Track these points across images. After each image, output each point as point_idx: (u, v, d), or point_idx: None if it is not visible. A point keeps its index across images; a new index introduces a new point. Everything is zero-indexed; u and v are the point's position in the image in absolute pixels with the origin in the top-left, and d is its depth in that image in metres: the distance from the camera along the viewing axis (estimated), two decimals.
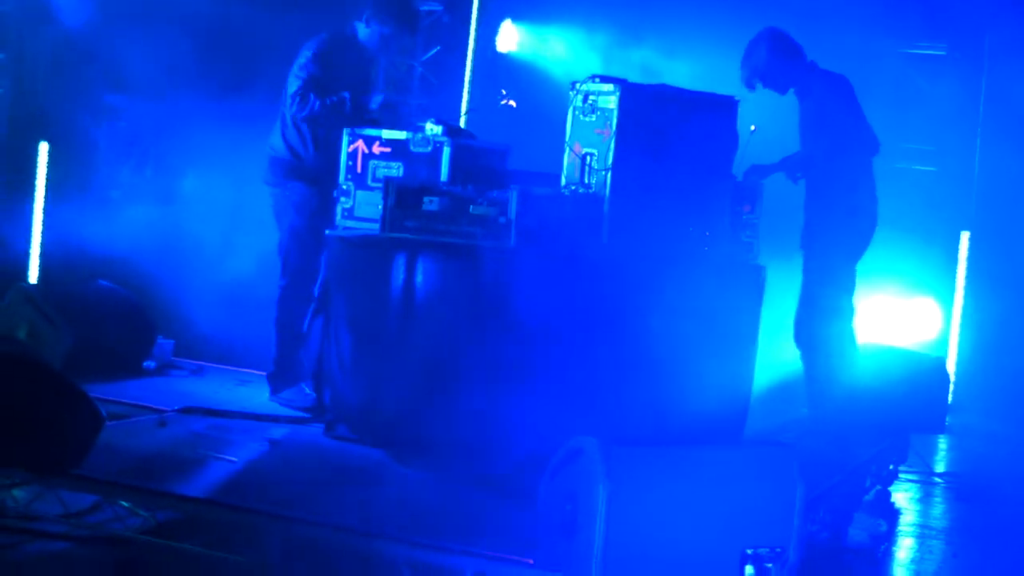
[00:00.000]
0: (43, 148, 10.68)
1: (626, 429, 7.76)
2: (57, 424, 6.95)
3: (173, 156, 11.32)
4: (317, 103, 8.89)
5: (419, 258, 7.90)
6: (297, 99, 8.92)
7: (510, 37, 12.21)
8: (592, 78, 8.07)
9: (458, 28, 12.03)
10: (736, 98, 8.41)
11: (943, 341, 11.18)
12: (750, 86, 9.12)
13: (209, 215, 10.86)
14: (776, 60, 9.07)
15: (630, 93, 7.93)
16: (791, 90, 9.19)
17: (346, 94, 8.86)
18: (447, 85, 12.04)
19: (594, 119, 7.99)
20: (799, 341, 9.21)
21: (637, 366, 7.89)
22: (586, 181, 7.98)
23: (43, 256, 10.68)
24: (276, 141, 9.21)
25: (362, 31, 9.20)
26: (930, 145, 11.49)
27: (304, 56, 9.05)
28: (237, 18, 11.77)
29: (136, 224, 10.72)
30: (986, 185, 11.36)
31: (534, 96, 11.71)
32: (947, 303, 11.22)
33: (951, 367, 11.01)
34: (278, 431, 8.39)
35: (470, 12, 11.95)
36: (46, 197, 10.69)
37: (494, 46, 12.11)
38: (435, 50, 12.09)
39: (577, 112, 8.05)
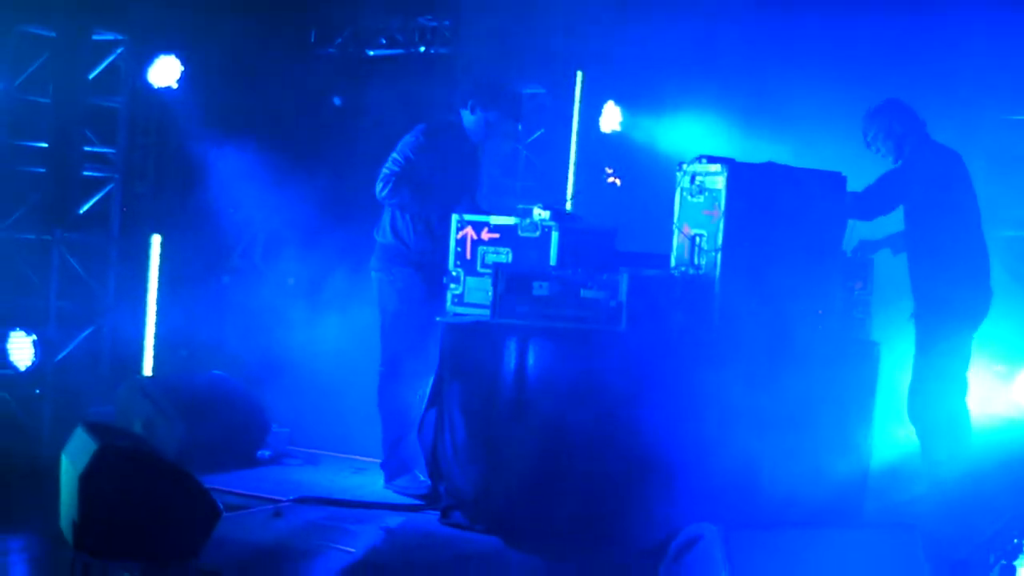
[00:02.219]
0: (155, 240, 10.81)
1: (745, 513, 7.70)
2: (174, 516, 6.97)
3: (284, 243, 11.43)
4: (407, 194, 8.97)
5: (530, 343, 7.92)
6: (386, 182, 8.99)
7: (613, 117, 12.24)
8: (699, 159, 8.06)
9: (561, 110, 12.08)
10: (844, 174, 8.38)
11: None
12: (868, 145, 9.09)
13: (322, 301, 10.94)
14: (899, 126, 9.03)
15: (738, 173, 7.92)
16: (900, 161, 9.14)
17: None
18: (552, 167, 12.08)
19: (702, 200, 7.98)
20: (912, 416, 9.10)
21: (753, 449, 7.83)
22: (696, 262, 7.97)
23: (157, 348, 10.77)
24: (383, 226, 9.27)
25: (467, 118, 9.25)
26: None
27: (405, 141, 9.13)
28: (348, 114, 11.97)
29: (249, 313, 10.82)
30: None
31: (639, 176, 11.77)
32: None
33: None
34: (394, 520, 8.41)
35: (573, 94, 11.99)
36: (159, 289, 10.81)
37: (598, 127, 12.13)
38: (539, 132, 12.15)
39: (685, 193, 8.05)
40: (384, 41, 12.37)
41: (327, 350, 10.80)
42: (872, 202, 8.97)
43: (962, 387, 9.02)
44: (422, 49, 12.21)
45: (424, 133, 9.13)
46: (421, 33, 12.21)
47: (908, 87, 10.14)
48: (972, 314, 9.00)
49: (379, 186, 9.02)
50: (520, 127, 11.39)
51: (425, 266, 9.08)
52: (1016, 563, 9.25)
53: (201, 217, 11.44)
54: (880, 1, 10.80)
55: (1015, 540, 9.29)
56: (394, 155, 9.08)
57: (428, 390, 8.61)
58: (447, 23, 12.10)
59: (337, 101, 12.28)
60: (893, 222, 9.12)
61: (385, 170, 9.04)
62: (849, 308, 8.55)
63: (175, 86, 10.78)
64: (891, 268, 9.13)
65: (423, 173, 9.04)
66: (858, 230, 8.88)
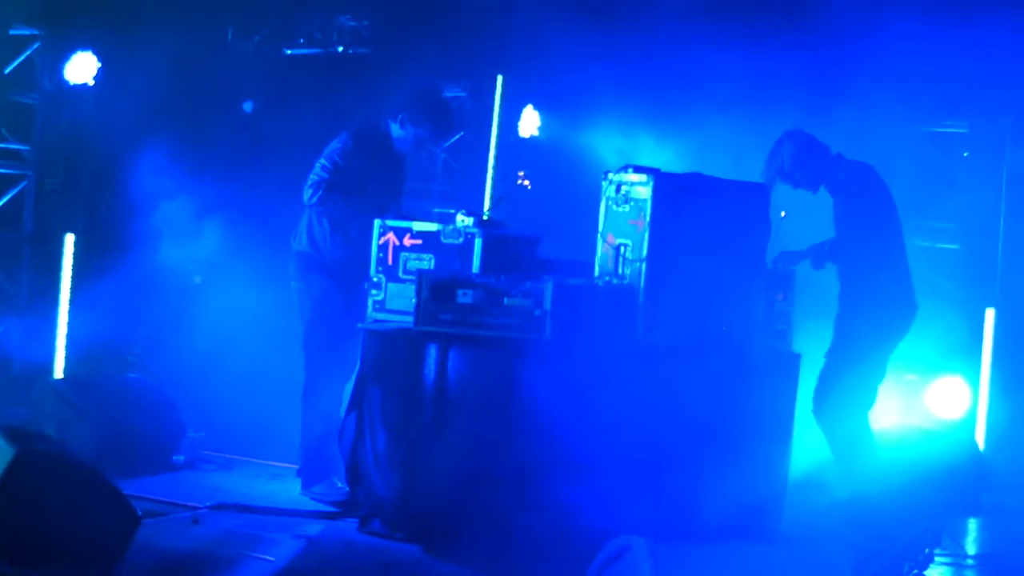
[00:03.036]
0: (69, 239, 10.66)
1: (664, 523, 7.72)
2: (94, 523, 6.91)
3: (199, 246, 11.31)
4: (337, 200, 8.92)
5: (453, 351, 7.91)
6: (315, 188, 8.91)
7: (531, 122, 12.22)
8: (625, 168, 8.07)
9: (481, 114, 12.04)
10: (767, 185, 8.41)
11: (971, 419, 11.10)
12: (784, 181, 9.06)
13: (240, 306, 10.85)
14: (800, 161, 8.95)
15: (664, 183, 7.94)
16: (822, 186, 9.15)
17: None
18: (470, 171, 12.05)
19: (627, 209, 8.00)
20: (819, 417, 9.12)
21: (674, 458, 7.87)
22: (620, 272, 7.97)
23: (69, 349, 10.63)
24: (300, 233, 9.20)
25: (395, 131, 9.16)
26: (953, 223, 11.45)
27: (333, 147, 9.05)
28: (263, 114, 11.88)
29: (164, 316, 10.72)
30: (1010, 261, 11.32)
31: (558, 182, 11.75)
32: (974, 381, 11.15)
33: (980, 445, 10.94)
34: (312, 527, 8.35)
35: (493, 98, 11.95)
36: (72, 289, 10.66)
37: (516, 131, 12.11)
38: (458, 135, 12.11)
39: (610, 202, 8.06)
40: (303, 40, 12.28)
41: (243, 354, 10.73)
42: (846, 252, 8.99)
43: (871, 400, 9.07)
44: (341, 49, 12.14)
45: (352, 138, 9.07)
46: (340, 33, 12.13)
47: (827, 101, 10.24)
48: (896, 330, 9.05)
49: (308, 192, 8.93)
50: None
51: (341, 273, 9.02)
52: (927, 573, 9.36)
53: (116, 216, 11.30)
54: (801, 33, 10.83)
55: (927, 550, 9.38)
56: (322, 161, 9.00)
57: (348, 396, 8.57)
58: (366, 23, 12.03)
59: (247, 108, 12.16)
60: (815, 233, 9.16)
61: (314, 176, 8.96)
62: (771, 320, 8.59)
63: (92, 83, 10.66)
64: (814, 280, 9.17)
65: (352, 179, 8.97)
66: (779, 241, 8.91)
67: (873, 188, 9.05)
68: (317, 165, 9.00)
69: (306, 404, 9.15)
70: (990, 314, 11.21)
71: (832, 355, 9.05)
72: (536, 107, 12.19)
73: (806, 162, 8.97)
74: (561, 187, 11.56)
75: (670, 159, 9.18)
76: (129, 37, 10.82)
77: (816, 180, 9.03)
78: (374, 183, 9.06)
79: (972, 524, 10.26)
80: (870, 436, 9.04)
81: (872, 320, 8.87)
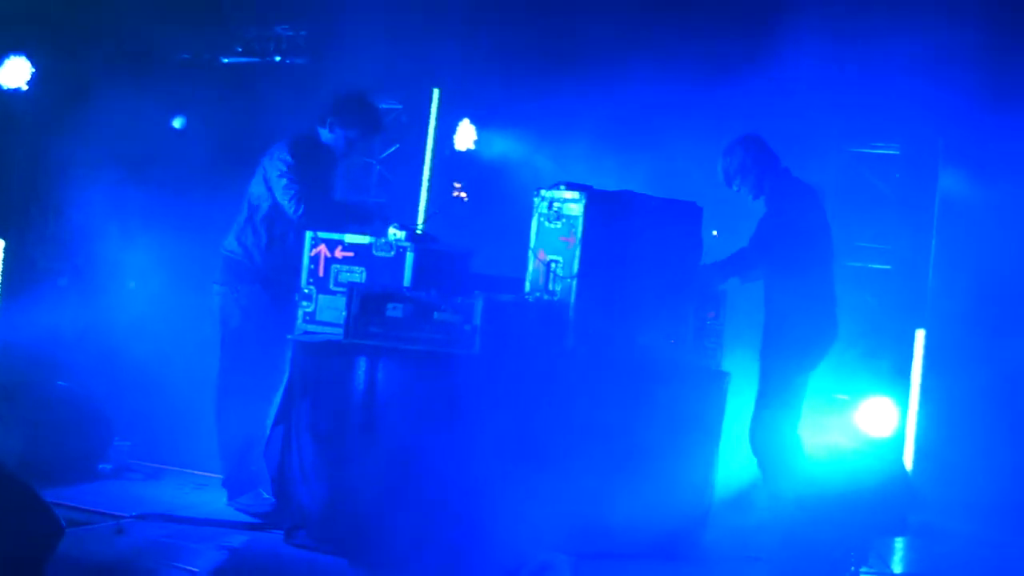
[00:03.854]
0: None
1: (588, 540, 7.75)
2: (15, 532, 6.82)
3: (131, 252, 11.25)
4: (326, 212, 8.90)
5: (382, 365, 7.89)
6: (300, 202, 8.86)
7: (467, 136, 12.21)
8: (557, 185, 8.07)
9: (417, 127, 12.03)
10: (699, 204, 8.44)
11: (899, 440, 11.17)
12: (728, 183, 9.13)
13: (167, 314, 10.79)
14: (745, 167, 9.05)
15: (596, 200, 7.95)
16: (760, 196, 9.21)
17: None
18: (405, 183, 12.02)
19: (559, 226, 8.00)
20: (753, 446, 9.18)
21: (599, 475, 7.88)
22: (551, 288, 7.98)
23: None
24: (229, 242, 9.15)
25: (325, 135, 9.16)
26: (885, 244, 11.53)
27: (283, 160, 8.96)
28: (196, 119, 11.82)
29: (91, 323, 10.64)
30: (941, 282, 11.40)
31: (492, 196, 11.75)
32: (903, 401, 11.22)
33: (908, 466, 11.01)
34: (237, 539, 8.29)
35: (429, 111, 11.94)
36: (1, 295, 10.59)
37: (452, 145, 12.10)
38: (394, 148, 12.09)
39: (542, 218, 8.06)
40: (240, 49, 12.22)
41: (171, 362, 10.66)
42: (758, 257, 9.02)
43: (796, 418, 9.11)
44: (278, 59, 12.09)
45: (290, 148, 9.02)
46: (277, 43, 12.08)
47: (760, 119, 10.28)
48: (815, 352, 9.09)
49: (292, 207, 8.87)
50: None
51: (273, 282, 8.98)
52: None
53: (46, 221, 11.22)
54: (735, 57, 10.89)
55: (852, 568, 9.44)
56: (281, 170, 8.93)
57: (276, 408, 8.53)
58: (303, 34, 12.00)
59: (179, 124, 12.10)
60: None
61: (290, 191, 8.89)
62: (701, 337, 8.62)
63: (25, 87, 10.58)
64: (745, 298, 9.21)
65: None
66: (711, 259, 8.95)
67: (811, 209, 9.11)
68: (281, 179, 8.93)
69: (221, 413, 9.10)
70: (920, 335, 11.29)
71: (761, 380, 9.10)
72: (472, 121, 12.18)
73: (750, 169, 9.04)
74: (496, 202, 11.56)
75: (605, 177, 9.17)
76: (64, 42, 10.75)
77: (758, 189, 9.08)
78: (316, 191, 9.03)
79: (899, 544, 10.32)
80: (796, 456, 9.07)
81: (791, 342, 8.90)
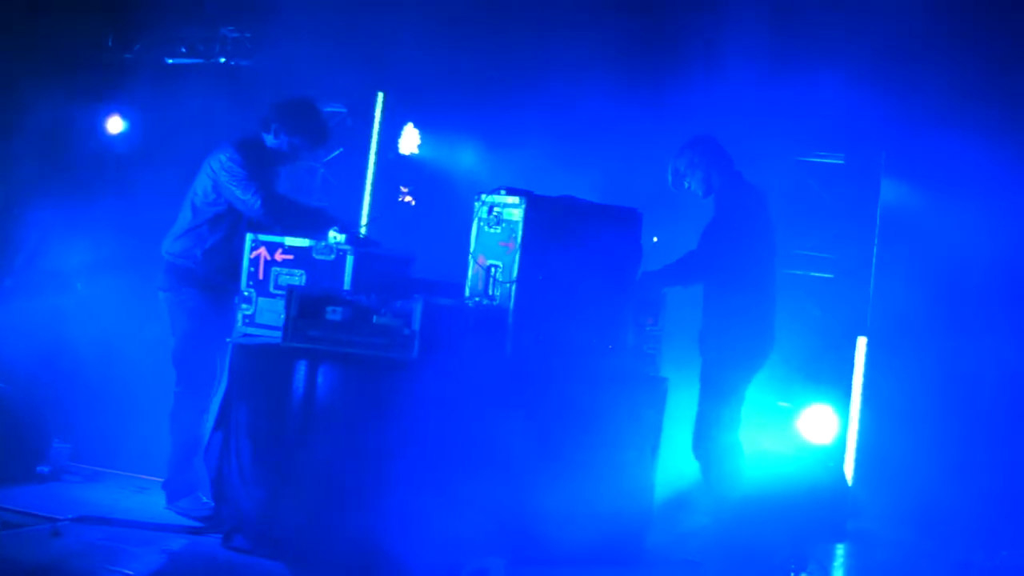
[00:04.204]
0: None
1: (527, 545, 7.75)
2: None
3: (70, 255, 11.19)
4: (289, 208, 8.89)
5: (321, 369, 7.88)
6: (257, 196, 8.82)
7: (411, 140, 12.20)
8: (498, 190, 8.08)
9: (360, 130, 12.01)
10: (640, 211, 8.46)
11: (840, 446, 11.21)
12: (676, 185, 9.16)
13: (108, 317, 10.74)
14: (693, 167, 9.09)
15: (535, 206, 7.96)
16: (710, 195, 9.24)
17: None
18: (349, 187, 12.00)
19: (499, 231, 8.01)
20: (696, 452, 9.21)
21: (538, 479, 7.89)
22: (490, 293, 7.98)
23: None
24: (171, 246, 9.11)
25: (269, 140, 9.13)
26: (827, 252, 11.58)
27: (233, 160, 8.92)
28: (137, 125, 11.78)
29: (33, 325, 10.58)
30: (882, 290, 11.47)
31: (435, 201, 11.74)
32: (843, 409, 11.27)
33: (848, 473, 11.07)
34: (175, 542, 8.27)
35: (373, 114, 11.93)
36: None
37: (396, 149, 12.09)
38: (338, 151, 12.06)
39: (482, 224, 8.07)
40: (184, 50, 12.17)
41: (113, 365, 10.62)
42: (703, 263, 9.04)
43: (736, 422, 9.14)
44: (223, 60, 12.05)
45: (237, 150, 8.98)
46: (223, 44, 12.03)
47: (704, 125, 10.31)
48: (753, 357, 9.12)
49: (255, 201, 8.83)
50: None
51: (217, 286, 8.95)
52: None
53: None
54: (680, 63, 10.95)
55: (792, 573, 9.49)
56: (231, 173, 8.90)
57: (215, 411, 8.51)
58: (249, 35, 11.96)
59: (120, 129, 12.04)
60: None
61: (250, 187, 8.84)
62: (640, 343, 8.64)
63: None
64: (683, 304, 9.24)
65: None
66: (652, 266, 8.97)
67: (757, 214, 9.15)
68: (237, 178, 8.89)
69: (175, 418, 9.06)
70: (861, 342, 11.34)
71: (701, 387, 9.12)
72: (417, 125, 12.17)
73: (699, 166, 9.08)
74: (438, 206, 11.56)
75: (549, 183, 9.18)
76: (5, 40, 10.69)
77: (707, 186, 9.11)
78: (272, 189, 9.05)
79: (838, 550, 10.38)
80: (735, 460, 9.10)
81: (731, 347, 8.94)
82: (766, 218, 9.23)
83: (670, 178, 9.22)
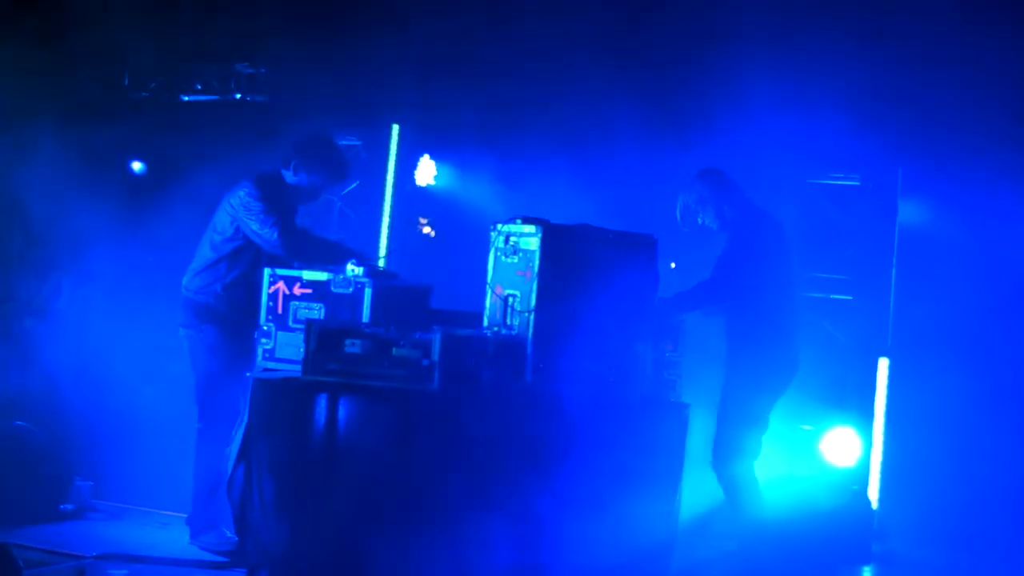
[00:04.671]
0: None
1: (551, 571, 7.72)
2: None
3: (92, 294, 11.23)
4: (308, 241, 8.92)
5: (341, 402, 7.84)
6: (282, 232, 8.87)
7: (428, 171, 12.23)
8: (513, 219, 8.08)
9: (376, 163, 12.05)
10: (656, 236, 8.45)
11: (864, 468, 11.19)
12: (686, 221, 9.17)
13: (128, 355, 10.77)
14: (712, 195, 9.12)
15: (552, 234, 7.94)
16: (724, 228, 9.24)
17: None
18: (366, 220, 12.03)
19: (516, 260, 7.99)
20: (716, 470, 9.20)
21: (563, 507, 7.86)
22: (509, 322, 7.97)
23: None
24: (190, 283, 9.15)
25: (289, 178, 9.17)
26: (846, 274, 11.57)
27: (252, 195, 8.97)
28: (160, 166, 11.83)
29: (54, 363, 10.61)
30: (902, 311, 11.45)
31: (453, 232, 11.77)
32: (866, 430, 11.24)
33: (873, 494, 11.04)
34: None
35: (388, 147, 11.96)
36: None
37: (413, 181, 12.11)
38: (354, 185, 12.09)
39: (499, 253, 8.05)
40: (200, 87, 12.25)
41: (134, 401, 10.64)
42: (721, 289, 9.04)
43: (755, 451, 9.12)
44: (238, 96, 12.11)
45: (256, 186, 9.00)
46: (237, 80, 12.11)
47: (720, 152, 10.34)
48: (777, 381, 9.13)
49: (273, 234, 8.88)
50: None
51: (237, 321, 8.97)
52: None
53: (6, 261, 11.21)
54: (693, 86, 10.96)
55: None
56: (252, 207, 8.94)
57: (237, 446, 8.52)
58: (263, 71, 12.02)
59: (137, 169, 12.10)
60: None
61: (269, 219, 8.89)
62: (659, 369, 8.63)
63: None
64: (707, 331, 9.24)
65: None
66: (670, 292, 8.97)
67: (772, 240, 9.15)
68: (252, 210, 8.94)
69: (198, 454, 9.09)
70: (883, 364, 11.32)
71: (720, 406, 9.13)
72: (433, 157, 12.20)
73: (709, 200, 9.11)
74: (456, 237, 11.58)
75: (564, 211, 9.19)
76: (22, 78, 10.75)
77: (720, 220, 9.13)
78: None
79: (864, 572, 10.36)
80: (756, 486, 9.09)
81: (754, 372, 8.95)
82: (781, 243, 9.24)
83: (679, 214, 9.24)
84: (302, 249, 8.87)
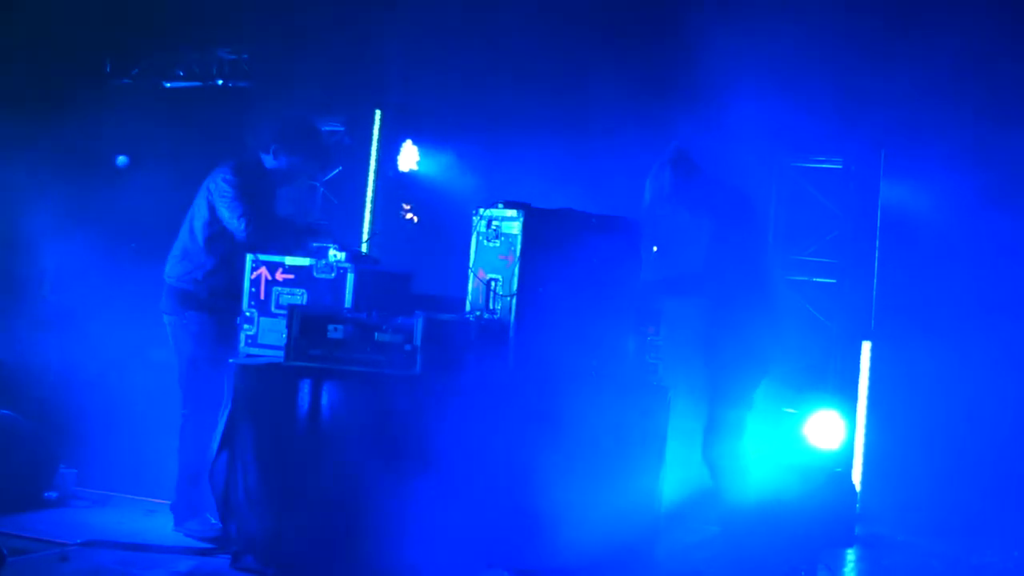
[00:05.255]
0: None
1: (535, 555, 7.75)
2: None
3: (75, 282, 11.22)
4: (272, 223, 8.91)
5: (324, 387, 7.88)
6: (248, 222, 8.84)
7: (410, 157, 12.21)
8: (496, 203, 8.08)
9: (359, 148, 12.03)
10: (638, 220, 8.46)
11: (847, 451, 11.20)
12: (655, 204, 9.12)
13: (113, 342, 10.76)
14: (677, 186, 9.01)
15: (533, 218, 7.96)
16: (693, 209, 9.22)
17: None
18: (349, 205, 12.02)
19: (498, 244, 8.01)
20: (705, 458, 9.21)
21: (545, 492, 7.88)
22: (491, 307, 7.98)
23: None
24: (172, 269, 9.14)
25: (269, 162, 9.17)
26: (829, 257, 11.56)
27: (228, 181, 8.96)
28: (142, 153, 11.81)
29: (38, 351, 10.60)
30: (885, 294, 11.45)
31: (436, 217, 11.75)
32: (850, 413, 11.25)
33: (856, 477, 11.05)
34: (184, 564, 8.27)
35: (371, 132, 11.94)
36: None
37: (395, 166, 12.09)
38: (337, 170, 12.08)
39: (481, 238, 8.07)
40: (182, 73, 12.23)
41: (118, 388, 10.63)
42: (710, 277, 9.02)
43: (739, 433, 9.11)
44: (220, 82, 12.09)
45: (234, 171, 9.01)
46: (219, 66, 12.09)
47: (703, 134, 10.33)
48: (760, 363, 9.11)
49: (240, 224, 8.85)
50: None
51: (219, 307, 8.96)
52: None
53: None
54: (675, 68, 10.96)
55: None
56: (225, 194, 8.93)
57: (220, 432, 8.51)
58: (246, 57, 12.00)
59: (121, 162, 12.08)
60: None
61: (237, 209, 8.88)
62: (641, 353, 8.64)
63: None
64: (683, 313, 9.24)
65: None
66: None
67: (743, 216, 9.11)
68: (224, 197, 8.93)
69: (183, 440, 9.08)
70: (866, 347, 11.33)
71: (707, 388, 9.11)
72: (416, 142, 12.18)
73: (680, 186, 9.00)
74: (439, 222, 11.57)
75: (548, 196, 9.19)
76: (3, 66, 10.74)
77: (690, 203, 9.06)
78: (263, 211, 9.04)
79: (848, 555, 10.37)
80: (741, 469, 9.09)
81: (735, 354, 8.92)
82: (754, 218, 9.19)
83: (647, 197, 9.15)
84: (269, 238, 8.83)
